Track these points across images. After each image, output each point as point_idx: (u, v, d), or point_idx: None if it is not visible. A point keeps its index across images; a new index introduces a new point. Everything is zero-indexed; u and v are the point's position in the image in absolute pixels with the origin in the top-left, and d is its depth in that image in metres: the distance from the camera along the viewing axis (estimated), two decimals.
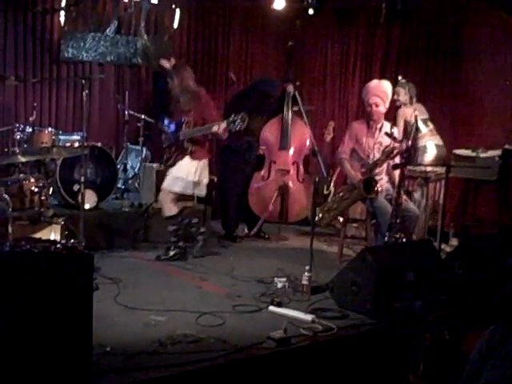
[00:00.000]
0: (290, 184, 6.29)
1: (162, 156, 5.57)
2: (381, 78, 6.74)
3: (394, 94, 6.39)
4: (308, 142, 6.34)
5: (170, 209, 5.33)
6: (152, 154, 6.99)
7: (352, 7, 7.88)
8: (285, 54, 7.08)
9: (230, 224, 6.35)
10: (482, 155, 6.45)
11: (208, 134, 5.17)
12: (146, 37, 7.48)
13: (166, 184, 5.31)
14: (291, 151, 6.32)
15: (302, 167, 6.39)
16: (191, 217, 5.49)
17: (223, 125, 4.95)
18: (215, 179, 6.14)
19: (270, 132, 6.34)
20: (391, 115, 6.33)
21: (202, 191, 5.35)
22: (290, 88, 6.29)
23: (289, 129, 6.29)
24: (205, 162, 5.33)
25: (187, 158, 5.25)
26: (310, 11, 7.32)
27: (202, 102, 5.26)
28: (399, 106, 6.42)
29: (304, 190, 6.34)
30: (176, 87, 5.30)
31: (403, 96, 6.37)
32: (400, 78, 6.51)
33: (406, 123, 6.26)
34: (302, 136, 6.37)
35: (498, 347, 2.34)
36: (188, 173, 5.23)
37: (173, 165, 5.30)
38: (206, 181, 5.33)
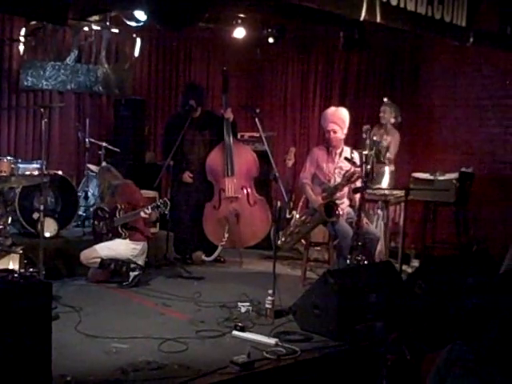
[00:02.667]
0: (241, 210, 6.31)
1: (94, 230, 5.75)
2: (340, 104, 6.89)
3: (380, 112, 6.61)
4: (254, 165, 6.39)
5: (90, 264, 5.44)
6: None
7: (311, 36, 8.04)
8: (219, 79, 7.09)
9: (181, 248, 6.40)
10: (440, 178, 6.60)
11: (139, 219, 5.49)
12: (106, 65, 7.49)
13: (99, 248, 5.44)
14: (237, 177, 6.35)
15: (252, 191, 6.42)
16: (114, 261, 5.46)
17: (148, 210, 5.36)
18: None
19: (213, 161, 6.34)
20: (351, 140, 6.48)
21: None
22: (229, 114, 6.34)
23: (232, 155, 6.32)
24: (144, 245, 5.59)
25: (127, 241, 5.50)
26: (270, 40, 7.45)
27: (123, 192, 5.64)
28: (381, 125, 6.59)
29: (256, 213, 6.37)
30: (99, 187, 5.96)
31: (389, 114, 6.65)
32: (385, 99, 6.74)
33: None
34: (246, 160, 6.41)
35: (455, 366, 2.38)
36: (126, 252, 5.45)
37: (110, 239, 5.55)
38: (140, 262, 5.51)
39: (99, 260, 5.38)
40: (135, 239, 5.52)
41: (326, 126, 5.65)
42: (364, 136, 6.47)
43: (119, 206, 5.53)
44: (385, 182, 6.59)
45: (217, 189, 6.38)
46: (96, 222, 5.68)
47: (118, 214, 5.52)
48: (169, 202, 5.32)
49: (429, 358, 3.14)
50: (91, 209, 6.56)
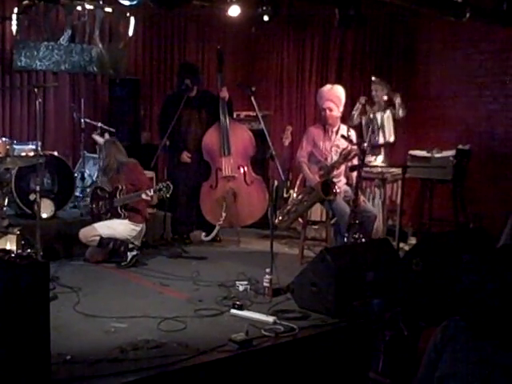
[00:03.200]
0: (238, 189, 6.29)
1: (91, 210, 5.71)
2: (336, 82, 6.85)
3: (371, 90, 6.55)
4: (251, 144, 6.36)
5: (89, 243, 5.43)
6: None
7: (306, 13, 7.97)
8: (215, 58, 7.02)
9: (179, 228, 6.38)
10: (437, 155, 6.59)
11: (140, 200, 5.45)
12: (100, 45, 7.42)
13: (98, 226, 5.43)
14: (234, 156, 6.33)
15: (249, 170, 6.40)
16: (112, 240, 5.46)
17: (150, 192, 5.33)
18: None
19: (210, 140, 6.32)
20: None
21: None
22: (224, 93, 6.30)
23: (228, 134, 6.29)
24: (143, 227, 5.60)
25: (127, 221, 5.48)
26: (265, 18, 7.37)
27: (130, 172, 5.58)
28: (374, 103, 6.54)
29: (253, 193, 6.36)
30: (105, 160, 5.68)
31: (381, 92, 6.57)
32: (373, 78, 6.68)
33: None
34: (242, 139, 6.39)
35: (451, 341, 2.38)
36: (125, 233, 5.45)
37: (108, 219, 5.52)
38: (137, 243, 5.52)
39: (98, 238, 5.37)
40: (135, 221, 5.51)
41: (322, 103, 5.63)
42: (358, 106, 6.45)
43: (120, 187, 5.49)
44: (379, 159, 6.57)
45: (214, 168, 6.37)
46: (94, 202, 5.65)
47: (118, 195, 5.49)
48: (171, 186, 5.26)
49: (426, 334, 3.15)
50: (88, 189, 6.56)
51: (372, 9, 6.69)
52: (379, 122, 6.49)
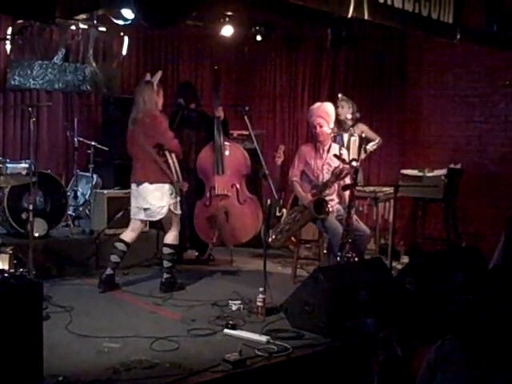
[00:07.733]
0: (231, 208, 6.28)
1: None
2: (329, 101, 6.89)
3: (337, 107, 6.52)
4: (245, 163, 6.38)
5: None
6: (102, 180, 6.93)
7: (299, 34, 8.05)
8: (211, 78, 7.06)
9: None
10: (429, 174, 6.63)
11: None
12: (94, 64, 7.45)
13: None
14: (227, 175, 6.33)
15: (242, 188, 6.40)
16: None
17: None
18: None
19: (204, 159, 6.32)
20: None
21: None
22: (219, 112, 6.33)
23: (222, 153, 6.31)
24: None
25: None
26: (258, 38, 7.46)
27: None
28: (340, 122, 6.53)
29: (246, 212, 6.35)
30: None
31: (347, 109, 6.56)
32: (340, 95, 6.69)
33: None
34: (236, 158, 6.38)
35: (445, 361, 2.39)
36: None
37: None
38: None
39: None
40: None
41: (313, 120, 5.70)
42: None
43: None
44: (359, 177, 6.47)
45: (207, 187, 6.38)
46: None
47: None
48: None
49: (420, 354, 3.16)
50: (80, 208, 6.54)
51: (364, 30, 6.77)
52: (345, 143, 6.46)
